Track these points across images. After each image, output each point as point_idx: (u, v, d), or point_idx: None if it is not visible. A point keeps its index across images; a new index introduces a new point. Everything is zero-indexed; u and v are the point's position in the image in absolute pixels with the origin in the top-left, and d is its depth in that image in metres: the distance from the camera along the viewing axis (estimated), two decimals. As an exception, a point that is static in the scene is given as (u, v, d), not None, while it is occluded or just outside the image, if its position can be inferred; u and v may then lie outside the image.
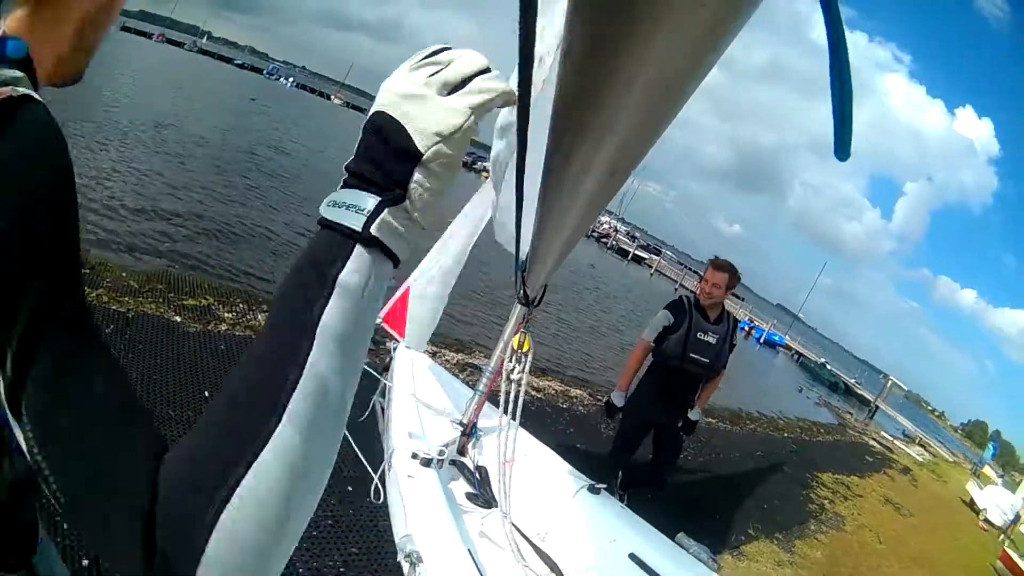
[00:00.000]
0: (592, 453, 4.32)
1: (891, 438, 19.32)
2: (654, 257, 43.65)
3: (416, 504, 1.66)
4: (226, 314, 4.03)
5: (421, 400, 2.69)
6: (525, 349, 2.30)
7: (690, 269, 44.06)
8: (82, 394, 0.39)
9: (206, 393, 2.82)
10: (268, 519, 0.37)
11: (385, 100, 0.42)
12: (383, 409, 3.24)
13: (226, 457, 0.37)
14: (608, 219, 46.54)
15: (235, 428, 0.38)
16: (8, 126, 0.38)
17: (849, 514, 6.44)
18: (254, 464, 0.36)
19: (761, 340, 32.57)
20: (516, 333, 2.73)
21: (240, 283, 5.20)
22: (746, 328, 32.53)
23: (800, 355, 34.42)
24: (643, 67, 0.40)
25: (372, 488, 1.95)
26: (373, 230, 0.40)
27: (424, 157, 0.41)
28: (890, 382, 30.08)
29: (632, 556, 2.20)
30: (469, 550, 1.52)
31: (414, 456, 1.94)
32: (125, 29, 33.39)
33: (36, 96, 0.41)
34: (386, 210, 0.41)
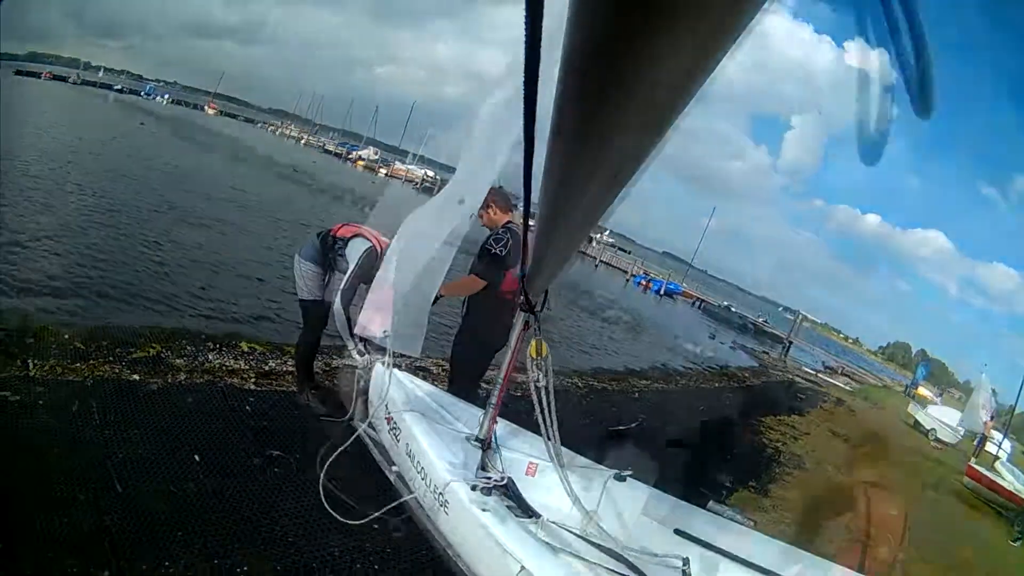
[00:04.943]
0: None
1: (814, 372, 20.57)
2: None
3: (512, 540, 1.62)
4: (178, 360, 3.75)
5: (435, 421, 2.62)
6: (544, 355, 2.29)
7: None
8: None
9: (196, 457, 2.58)
10: None
11: None
12: (371, 439, 3.11)
13: None
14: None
15: None
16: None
17: (804, 452, 7.01)
18: None
19: (661, 292, 32.67)
20: (520, 341, 2.72)
21: (174, 320, 4.98)
22: (643, 282, 33.22)
23: (702, 301, 34.54)
24: (645, 72, 0.39)
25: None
26: None
27: None
28: (800, 317, 31.04)
29: (677, 531, 2.28)
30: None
31: (474, 488, 1.88)
32: (18, 72, 33.42)
33: None
34: None
